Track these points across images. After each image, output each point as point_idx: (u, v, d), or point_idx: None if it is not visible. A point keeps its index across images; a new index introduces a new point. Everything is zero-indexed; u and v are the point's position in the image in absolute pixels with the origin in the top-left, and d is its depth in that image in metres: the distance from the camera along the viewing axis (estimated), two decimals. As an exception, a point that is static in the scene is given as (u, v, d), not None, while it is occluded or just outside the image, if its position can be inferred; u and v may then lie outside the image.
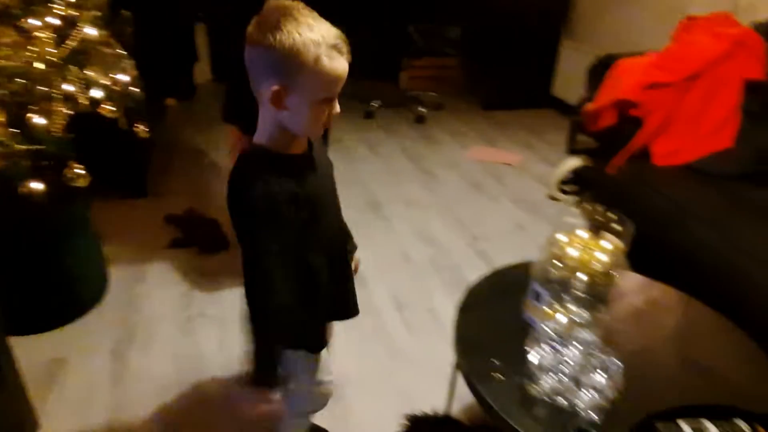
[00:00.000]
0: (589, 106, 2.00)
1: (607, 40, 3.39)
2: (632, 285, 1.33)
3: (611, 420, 0.94)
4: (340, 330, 1.29)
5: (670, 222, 1.67)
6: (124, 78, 1.73)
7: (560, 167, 2.56)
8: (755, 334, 1.18)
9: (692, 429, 0.89)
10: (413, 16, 3.90)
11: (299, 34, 0.82)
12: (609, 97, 1.91)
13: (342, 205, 1.12)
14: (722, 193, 1.68)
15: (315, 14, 0.87)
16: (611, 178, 1.94)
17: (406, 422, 1.38)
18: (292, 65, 0.83)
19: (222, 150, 3.14)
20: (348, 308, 1.15)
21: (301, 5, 0.86)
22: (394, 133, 3.45)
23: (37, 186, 1.41)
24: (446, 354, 1.23)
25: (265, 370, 1.02)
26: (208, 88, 4.24)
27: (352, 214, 1.16)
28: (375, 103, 3.69)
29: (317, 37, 0.83)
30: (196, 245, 2.22)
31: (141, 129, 1.78)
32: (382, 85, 4.03)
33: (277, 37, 0.82)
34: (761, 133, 1.80)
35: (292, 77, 0.85)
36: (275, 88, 0.85)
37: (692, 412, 0.92)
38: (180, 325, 1.81)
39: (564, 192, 2.63)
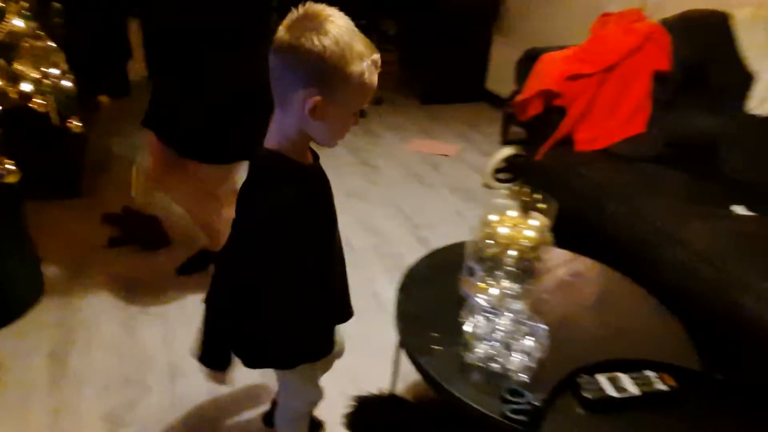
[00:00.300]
0: (518, 97, 2.12)
1: (534, 35, 3.56)
2: (557, 259, 1.45)
3: (539, 379, 1.04)
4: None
5: (589, 201, 1.82)
6: (54, 71, 1.68)
7: (494, 157, 2.69)
8: (664, 298, 1.32)
9: (608, 380, 0.99)
10: (349, 12, 3.94)
11: (349, 44, 0.80)
12: (535, 88, 2.04)
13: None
14: (634, 174, 1.85)
15: (351, 22, 0.84)
16: (539, 164, 2.07)
17: (354, 403, 1.43)
18: (338, 75, 0.81)
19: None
20: (348, 310, 1.17)
21: (338, 12, 0.83)
22: (335, 127, 3.48)
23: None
24: (389, 336, 1.30)
25: (215, 352, 1.04)
26: (142, 86, 4.09)
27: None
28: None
29: (363, 50, 0.82)
30: (135, 243, 2.17)
31: (74, 124, 1.73)
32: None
33: (325, 43, 0.78)
34: (669, 119, 1.99)
35: (334, 87, 0.82)
36: (317, 98, 0.82)
37: (609, 367, 1.03)
38: (122, 324, 1.77)
39: (498, 180, 2.76)
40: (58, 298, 1.86)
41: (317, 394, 1.20)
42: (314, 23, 0.80)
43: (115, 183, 2.63)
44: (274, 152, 0.90)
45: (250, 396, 1.53)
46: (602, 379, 1.00)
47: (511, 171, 2.73)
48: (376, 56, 0.85)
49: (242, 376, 1.58)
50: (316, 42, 0.79)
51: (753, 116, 1.87)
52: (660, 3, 2.57)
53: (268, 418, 1.41)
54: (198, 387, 1.53)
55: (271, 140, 0.91)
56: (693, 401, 0.97)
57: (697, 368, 1.10)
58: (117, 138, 3.08)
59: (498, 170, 2.75)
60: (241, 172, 1.43)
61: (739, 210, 1.67)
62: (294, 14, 0.82)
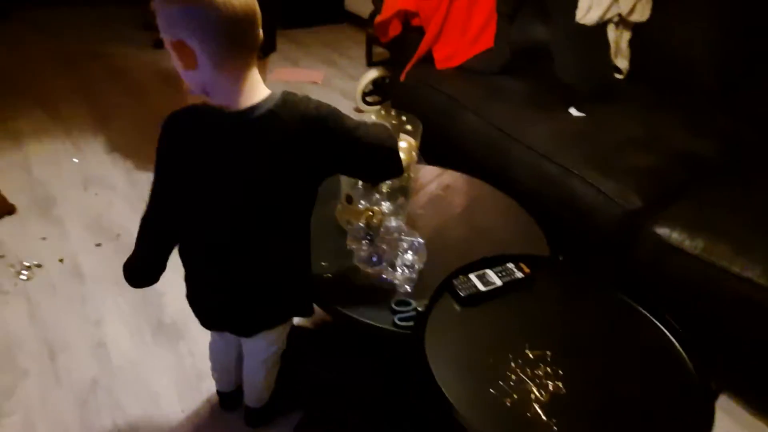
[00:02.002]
0: (377, 19, 2.12)
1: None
2: (427, 175, 1.55)
3: (421, 287, 1.15)
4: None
5: (446, 115, 1.94)
6: None
7: (361, 80, 2.70)
8: (517, 195, 1.50)
9: (477, 277, 1.13)
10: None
11: None
12: (392, 9, 2.04)
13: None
14: (484, 86, 2.00)
15: None
16: (403, 85, 2.13)
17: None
18: None
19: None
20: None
21: None
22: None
23: None
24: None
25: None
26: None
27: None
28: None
29: None
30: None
31: None
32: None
33: None
34: (511, 32, 2.13)
35: None
36: None
37: (478, 266, 1.17)
38: (-26, 309, 1.58)
39: (367, 103, 2.79)
40: None
41: None
42: None
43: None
44: None
45: (146, 361, 1.49)
46: (473, 277, 1.14)
47: (378, 93, 2.77)
48: None
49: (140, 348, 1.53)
50: None
51: (580, 25, 2.08)
52: None
53: (251, 416, 1.31)
54: (86, 358, 1.45)
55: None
56: (543, 282, 1.15)
57: (546, 254, 1.30)
58: None
59: (366, 93, 2.77)
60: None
61: (574, 112, 1.89)
62: None
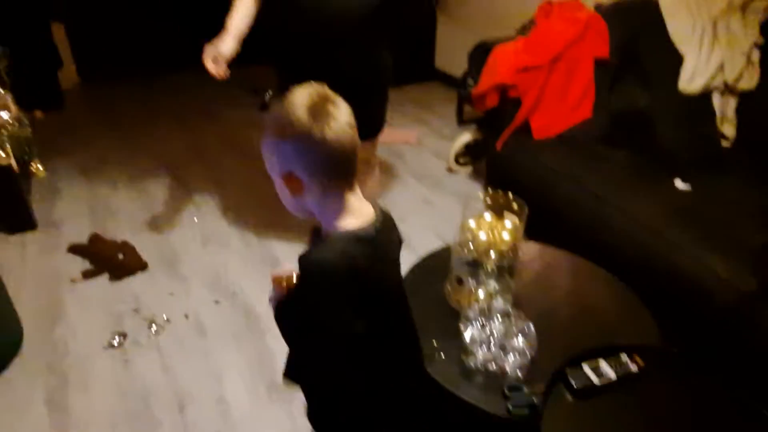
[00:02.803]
0: (475, 90, 2.21)
1: (477, 15, 3.66)
2: (529, 253, 1.58)
3: (532, 375, 1.17)
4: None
5: (545, 184, 1.96)
6: (4, 116, 1.61)
7: (454, 143, 2.79)
8: (620, 271, 1.48)
9: (591, 369, 1.13)
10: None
11: None
12: (490, 82, 2.13)
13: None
14: (584, 155, 2.00)
15: None
16: (499, 153, 2.19)
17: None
18: None
19: (111, 162, 2.98)
20: None
21: None
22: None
23: None
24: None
25: None
26: (76, 93, 3.89)
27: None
28: (269, 93, 3.65)
29: None
30: (110, 272, 2.14)
31: (37, 168, 1.67)
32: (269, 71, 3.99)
33: None
34: (611, 101, 2.14)
35: None
36: None
37: (590, 355, 1.17)
38: (115, 359, 1.78)
39: (459, 163, 2.88)
40: (41, 342, 1.83)
41: None
42: None
43: (70, 208, 2.55)
44: None
45: (263, 417, 1.60)
46: (586, 367, 1.14)
47: (470, 154, 2.85)
48: None
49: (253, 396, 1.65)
50: None
51: (682, 94, 2.05)
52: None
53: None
54: (210, 412, 1.59)
55: None
56: (658, 376, 1.13)
57: (657, 340, 1.28)
58: (59, 157, 2.95)
59: (458, 154, 2.85)
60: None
61: (679, 184, 1.85)
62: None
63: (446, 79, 3.99)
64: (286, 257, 2.17)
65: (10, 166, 1.61)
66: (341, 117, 0.87)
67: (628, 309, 1.40)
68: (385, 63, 1.88)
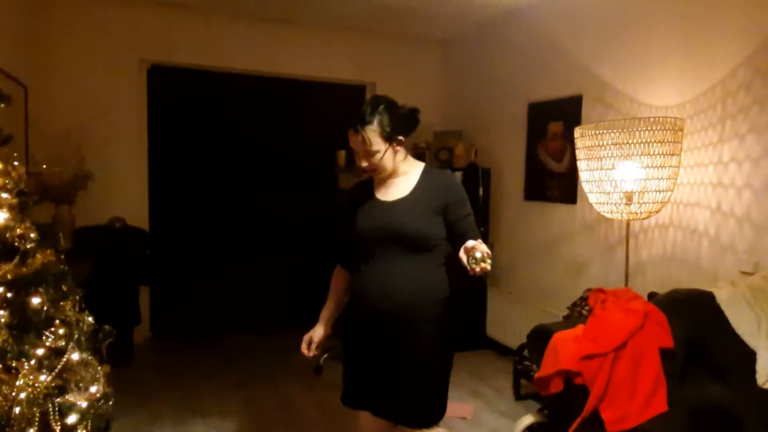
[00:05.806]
0: (538, 375, 2.20)
1: (523, 288, 3.92)
2: None
3: None
4: None
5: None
6: (93, 389, 1.70)
7: (517, 425, 2.65)
8: None
9: None
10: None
11: None
12: (553, 368, 2.13)
13: None
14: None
15: None
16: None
17: None
18: None
19: (165, 420, 2.94)
20: None
21: None
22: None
23: None
24: None
25: None
26: (145, 348, 4.12)
27: None
28: (324, 357, 3.72)
29: None
30: None
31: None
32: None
33: None
34: (684, 393, 2.05)
35: None
36: None
37: None
38: None
39: (522, 448, 2.66)
40: None
41: None
42: None
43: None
44: None
45: None
46: None
47: (533, 438, 2.66)
48: None
49: None
50: None
51: (762, 388, 1.96)
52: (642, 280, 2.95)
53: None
54: None
55: None
56: None
57: None
58: (125, 413, 2.95)
59: (520, 437, 2.67)
60: None
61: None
62: None
63: (498, 348, 4.03)
64: None
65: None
66: None
67: None
68: (446, 352, 2.08)
